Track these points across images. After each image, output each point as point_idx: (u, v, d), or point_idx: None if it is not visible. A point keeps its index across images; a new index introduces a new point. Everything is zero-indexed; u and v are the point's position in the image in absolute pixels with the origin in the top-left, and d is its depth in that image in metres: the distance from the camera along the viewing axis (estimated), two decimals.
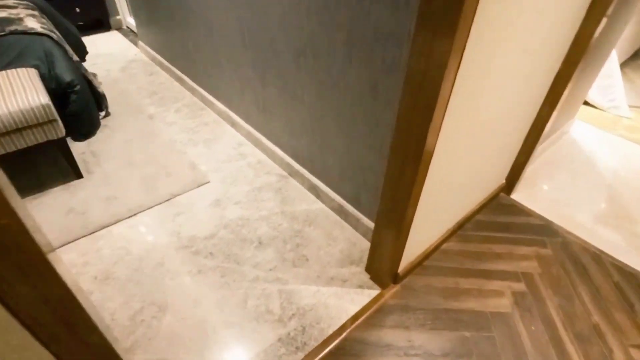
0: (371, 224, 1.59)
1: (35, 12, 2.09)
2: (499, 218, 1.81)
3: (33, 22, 1.94)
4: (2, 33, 1.83)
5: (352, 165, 1.54)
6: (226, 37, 1.94)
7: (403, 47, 1.11)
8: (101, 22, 3.68)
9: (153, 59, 3.11)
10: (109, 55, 3.23)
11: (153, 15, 2.71)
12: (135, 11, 3.05)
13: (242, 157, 2.10)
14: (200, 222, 1.71)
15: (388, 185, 1.23)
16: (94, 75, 2.35)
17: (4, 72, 1.75)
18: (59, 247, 1.57)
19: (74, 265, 1.51)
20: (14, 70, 1.78)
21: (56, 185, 1.86)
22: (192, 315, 1.36)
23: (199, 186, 1.89)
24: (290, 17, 1.46)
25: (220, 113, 2.41)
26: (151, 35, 2.95)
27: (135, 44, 3.42)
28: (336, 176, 1.67)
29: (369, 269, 1.51)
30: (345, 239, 1.66)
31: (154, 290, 1.43)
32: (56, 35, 2.00)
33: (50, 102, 1.62)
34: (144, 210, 1.75)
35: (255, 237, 1.65)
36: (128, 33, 3.69)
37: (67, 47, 2.06)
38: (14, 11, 2.00)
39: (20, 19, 1.92)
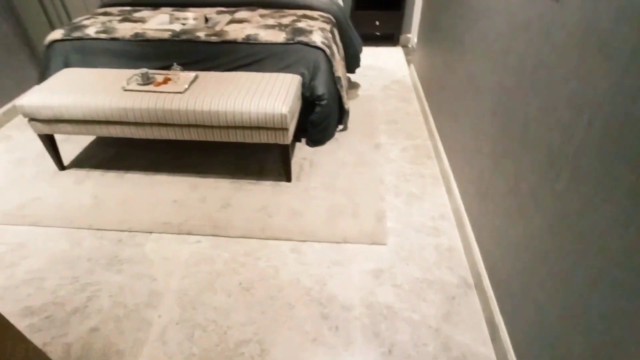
0: None
1: (327, 26, 2.32)
2: None
3: (318, 36, 2.15)
4: (292, 42, 2.11)
5: (556, 347, 1.00)
6: (479, 94, 1.60)
7: None
8: (392, 37, 3.89)
9: (414, 85, 3.05)
10: (380, 70, 3.38)
11: (429, 40, 2.60)
12: (419, 32, 3.02)
13: (434, 234, 1.77)
14: (349, 285, 1.55)
15: None
16: (349, 87, 2.47)
17: (275, 74, 2.04)
18: (234, 237, 1.75)
19: (235, 261, 1.65)
20: (283, 74, 2.04)
21: (270, 180, 2.08)
22: None
23: (372, 244, 1.71)
24: (561, 112, 1.01)
25: (442, 171, 2.11)
26: (422, 60, 2.87)
27: (409, 65, 3.45)
28: (529, 336, 1.14)
29: None
30: None
31: (270, 329, 1.39)
32: (330, 50, 2.17)
33: (287, 113, 1.78)
34: (312, 241, 1.73)
35: (389, 340, 1.36)
36: (410, 52, 3.76)
37: (335, 62, 2.21)
38: (312, 23, 2.29)
39: (310, 32, 2.17)
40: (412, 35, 3.85)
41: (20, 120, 2.67)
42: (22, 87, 2.82)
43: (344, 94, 2.32)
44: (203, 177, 2.10)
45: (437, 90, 2.38)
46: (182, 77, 1.96)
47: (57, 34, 2.21)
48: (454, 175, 1.95)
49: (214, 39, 2.11)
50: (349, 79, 3.16)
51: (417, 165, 2.22)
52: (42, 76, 2.24)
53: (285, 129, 1.84)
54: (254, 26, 2.23)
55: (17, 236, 1.79)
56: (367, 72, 3.33)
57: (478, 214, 1.59)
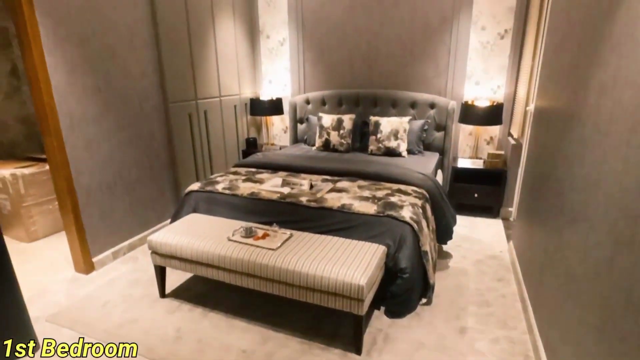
0: None
1: (419, 202, 2.45)
2: None
3: (407, 211, 2.27)
4: (382, 214, 2.27)
5: None
6: (581, 302, 1.42)
7: None
8: (491, 209, 3.85)
9: (512, 264, 2.84)
10: (475, 242, 3.27)
11: (529, 220, 2.50)
12: (519, 210, 2.95)
13: None
14: None
15: None
16: (439, 257, 2.42)
17: (362, 242, 2.15)
18: None
19: None
20: (369, 243, 2.14)
21: (339, 348, 2.00)
22: None
23: None
24: None
25: None
26: (522, 237, 2.72)
27: (509, 241, 3.28)
28: None
29: None
30: None
31: None
32: (418, 226, 2.24)
33: (364, 285, 1.80)
34: None
35: None
36: (511, 226, 3.62)
37: (422, 236, 2.25)
38: (404, 198, 2.45)
39: (401, 207, 2.31)
40: (513, 210, 3.75)
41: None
42: (160, 220, 3.46)
43: (429, 268, 2.28)
44: (276, 330, 2.13)
45: (536, 277, 2.18)
46: (279, 234, 2.21)
47: (195, 186, 2.78)
48: None
49: (313, 204, 2.40)
50: (440, 248, 3.11)
51: None
52: (175, 217, 2.75)
53: (361, 300, 1.83)
54: (351, 196, 2.48)
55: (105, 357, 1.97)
56: (462, 243, 3.25)
57: None
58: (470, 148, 4.16)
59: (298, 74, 4.55)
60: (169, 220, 2.96)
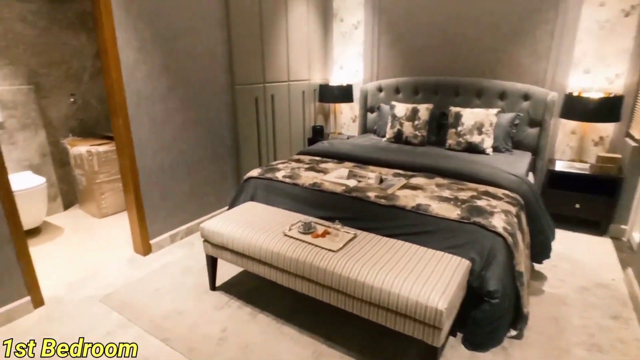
0: None
1: (513, 209, 1.99)
2: None
3: (499, 220, 1.84)
4: (467, 221, 1.86)
5: None
6: None
7: None
8: (598, 224, 3.17)
9: (633, 298, 2.24)
10: (578, 263, 2.68)
11: None
12: None
13: None
14: None
15: None
16: (530, 278, 1.95)
17: (440, 253, 1.76)
18: None
19: None
20: (450, 256, 1.75)
21: None
22: None
23: None
24: None
25: None
26: None
27: (624, 267, 2.64)
28: None
29: None
30: None
31: None
32: (513, 239, 1.80)
33: (444, 310, 1.43)
34: None
35: None
36: (624, 248, 2.94)
37: (517, 253, 1.80)
38: (494, 203, 2.01)
39: (491, 213, 1.88)
40: (629, 229, 3.05)
41: None
42: (220, 205, 3.36)
43: (524, 294, 1.83)
44: (330, 346, 1.84)
45: None
46: (341, 234, 1.91)
47: (255, 172, 2.58)
48: None
49: (382, 201, 2.06)
50: (532, 268, 2.59)
51: None
52: (232, 203, 2.58)
53: (438, 329, 1.47)
54: (428, 195, 2.10)
55: (147, 349, 1.83)
56: (558, 262, 2.68)
57: None
58: (572, 149, 3.48)
59: (371, 60, 4.18)
60: (227, 207, 2.82)
